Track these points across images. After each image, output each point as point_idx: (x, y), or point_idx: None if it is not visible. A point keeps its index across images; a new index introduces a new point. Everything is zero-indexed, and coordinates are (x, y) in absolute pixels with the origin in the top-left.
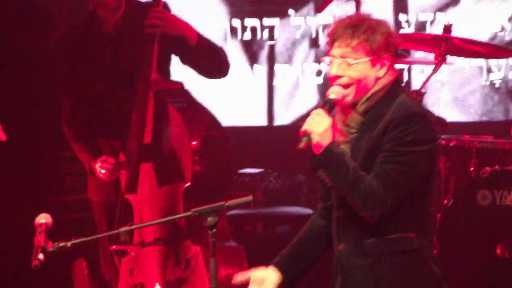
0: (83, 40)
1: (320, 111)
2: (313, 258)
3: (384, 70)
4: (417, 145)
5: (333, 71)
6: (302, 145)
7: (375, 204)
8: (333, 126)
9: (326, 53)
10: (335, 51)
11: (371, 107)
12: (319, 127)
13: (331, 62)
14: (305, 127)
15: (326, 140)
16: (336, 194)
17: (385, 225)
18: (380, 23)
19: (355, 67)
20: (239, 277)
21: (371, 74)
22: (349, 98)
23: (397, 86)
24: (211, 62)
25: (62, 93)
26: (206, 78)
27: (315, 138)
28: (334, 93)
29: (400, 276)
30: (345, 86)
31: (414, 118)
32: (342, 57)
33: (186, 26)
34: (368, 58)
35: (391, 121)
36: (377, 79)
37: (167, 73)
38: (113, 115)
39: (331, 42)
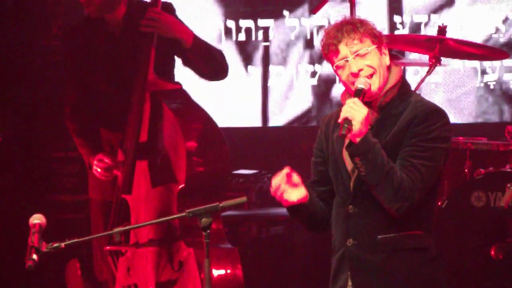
0: (87, 38)
1: (356, 99)
2: (320, 214)
3: (387, 58)
4: (440, 142)
5: (354, 68)
6: (343, 131)
7: (405, 196)
8: (368, 124)
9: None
10: (344, 51)
11: (386, 103)
12: (359, 115)
13: (342, 67)
14: (345, 114)
15: (365, 128)
16: (347, 191)
17: (398, 221)
18: (364, 19)
19: (368, 56)
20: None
21: (382, 61)
22: (375, 87)
23: (407, 85)
24: (208, 65)
25: (67, 87)
26: (206, 81)
27: (356, 126)
28: (361, 83)
29: (411, 274)
30: (371, 75)
31: (437, 115)
32: (354, 52)
33: (181, 28)
34: (375, 46)
35: (415, 117)
36: (387, 68)
37: (168, 74)
38: (115, 111)
39: (335, 47)
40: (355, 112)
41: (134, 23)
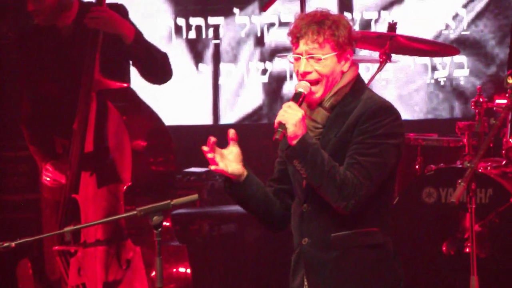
0: (38, 45)
1: (291, 103)
2: (270, 209)
3: (348, 64)
4: (388, 138)
5: (302, 68)
6: (277, 135)
7: (350, 194)
8: (305, 126)
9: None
10: (302, 48)
11: (338, 102)
12: (293, 118)
13: (296, 60)
14: (279, 118)
15: (300, 131)
16: (301, 189)
17: (352, 219)
18: (341, 18)
19: (323, 62)
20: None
21: (337, 68)
22: (318, 95)
23: (361, 82)
24: (148, 64)
25: (21, 95)
26: (148, 82)
27: (290, 129)
28: (302, 87)
29: (365, 271)
30: (314, 82)
31: (385, 112)
32: (309, 53)
33: (124, 24)
34: (334, 53)
35: (362, 114)
36: (342, 73)
37: (119, 75)
38: (67, 116)
39: (296, 40)
40: (288, 116)
41: (83, 27)
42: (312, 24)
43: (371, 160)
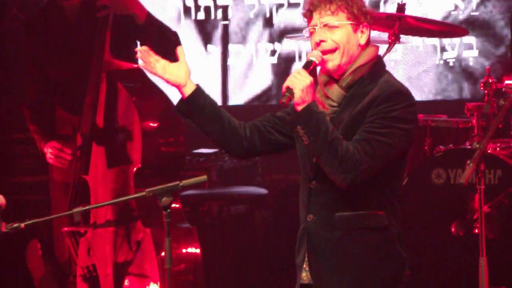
0: (46, 27)
1: (301, 69)
2: (224, 123)
3: (365, 37)
4: (399, 122)
5: (317, 37)
6: (284, 99)
7: (350, 167)
8: (313, 93)
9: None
10: (315, 19)
11: (355, 82)
12: (301, 84)
13: (311, 33)
14: (287, 83)
15: (307, 98)
16: (311, 166)
17: (358, 200)
18: None
19: (337, 30)
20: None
21: (353, 39)
22: (335, 63)
23: (381, 64)
24: (160, 43)
25: (28, 77)
26: None
27: (297, 94)
28: (313, 56)
29: (366, 253)
30: (330, 51)
31: (400, 96)
32: (323, 22)
33: (136, 4)
34: (349, 22)
35: (377, 96)
36: (360, 47)
37: (129, 53)
38: (75, 95)
39: (310, 14)
40: (297, 81)
41: (91, 8)
42: None
43: (378, 138)
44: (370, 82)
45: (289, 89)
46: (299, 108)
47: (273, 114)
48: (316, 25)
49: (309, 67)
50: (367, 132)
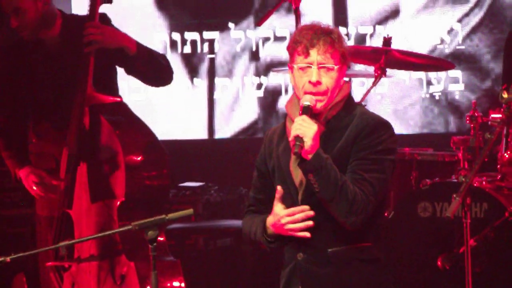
0: (24, 58)
1: (304, 117)
2: None
3: (343, 79)
4: (387, 154)
5: (315, 78)
6: (297, 149)
7: (359, 210)
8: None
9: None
10: (313, 57)
11: (332, 117)
12: (310, 132)
13: (303, 69)
14: (296, 132)
15: (317, 144)
16: (293, 204)
17: (348, 234)
18: (339, 31)
19: (331, 73)
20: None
21: (338, 81)
22: (322, 104)
23: (352, 98)
24: (154, 68)
25: None
26: (152, 86)
27: (308, 142)
28: (307, 100)
29: (363, 284)
30: (323, 93)
31: (384, 127)
32: (321, 63)
33: (124, 37)
34: (338, 66)
35: (362, 129)
36: (340, 88)
37: (110, 86)
38: (63, 111)
39: (306, 50)
40: (306, 129)
41: (72, 39)
42: (323, 35)
43: (376, 176)
44: (346, 115)
45: (299, 138)
46: (309, 156)
47: (254, 197)
48: (312, 64)
49: (308, 112)
50: (363, 171)
